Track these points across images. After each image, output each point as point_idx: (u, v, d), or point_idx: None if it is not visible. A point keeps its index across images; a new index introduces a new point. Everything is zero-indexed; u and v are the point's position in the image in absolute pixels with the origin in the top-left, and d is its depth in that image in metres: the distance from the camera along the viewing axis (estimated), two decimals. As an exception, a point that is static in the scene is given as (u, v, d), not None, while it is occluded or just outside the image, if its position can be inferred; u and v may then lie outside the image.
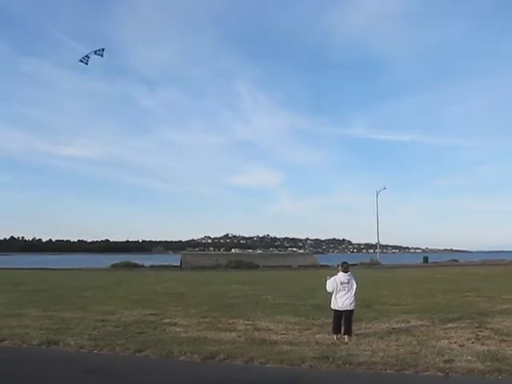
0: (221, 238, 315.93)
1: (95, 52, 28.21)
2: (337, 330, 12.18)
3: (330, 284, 12.39)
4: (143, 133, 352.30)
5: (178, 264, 66.05)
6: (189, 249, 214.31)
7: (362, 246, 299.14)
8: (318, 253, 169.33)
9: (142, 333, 13.18)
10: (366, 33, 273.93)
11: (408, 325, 14.40)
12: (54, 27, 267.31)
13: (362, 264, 66.74)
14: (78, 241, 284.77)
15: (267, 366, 9.79)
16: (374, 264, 69.37)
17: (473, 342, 11.69)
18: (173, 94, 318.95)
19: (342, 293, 12.19)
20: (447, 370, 9.14)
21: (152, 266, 63.06)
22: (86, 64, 28.14)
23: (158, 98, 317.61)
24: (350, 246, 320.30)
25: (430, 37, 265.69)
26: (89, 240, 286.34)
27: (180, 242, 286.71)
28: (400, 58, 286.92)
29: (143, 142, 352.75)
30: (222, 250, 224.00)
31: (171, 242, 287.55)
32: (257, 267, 61.04)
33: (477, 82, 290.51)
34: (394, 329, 13.70)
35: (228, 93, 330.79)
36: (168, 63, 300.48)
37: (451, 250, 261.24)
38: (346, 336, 11.97)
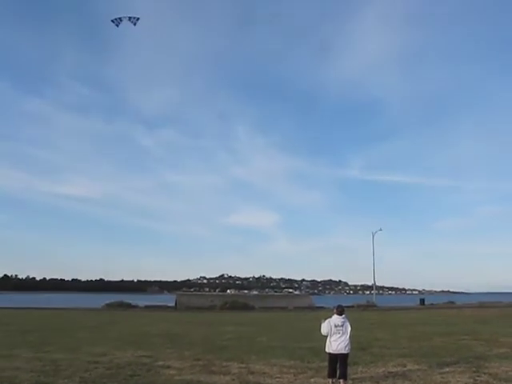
0: (216, 278, 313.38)
1: (129, 18, 28.37)
2: (332, 374, 11.98)
3: (325, 327, 12.25)
4: (141, 172, 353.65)
5: (173, 304, 65.33)
6: (184, 289, 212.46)
7: (358, 288, 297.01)
8: (314, 294, 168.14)
9: (135, 375, 12.97)
10: (362, 77, 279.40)
11: (404, 369, 14.22)
12: (57, 69, 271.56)
13: (358, 306, 66.15)
14: (73, 279, 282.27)
15: (261, 410, 9.62)
16: (370, 306, 68.77)
17: (470, 387, 11.54)
18: (171, 134, 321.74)
19: (336, 336, 12.04)
20: (444, 416, 8.99)
21: (146, 307, 62.37)
22: (117, 26, 28.21)
23: (157, 138, 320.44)
24: (347, 288, 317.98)
25: (425, 81, 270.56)
26: (83, 279, 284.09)
27: (175, 282, 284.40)
28: (395, 101, 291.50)
29: (141, 181, 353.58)
30: (217, 290, 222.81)
31: (166, 281, 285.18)
32: (252, 308, 60.45)
33: (472, 125, 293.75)
34: (390, 373, 13.52)
35: (226, 134, 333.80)
36: (167, 104, 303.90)
37: (448, 291, 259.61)
38: (341, 380, 11.78)
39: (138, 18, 28.51)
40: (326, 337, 12.25)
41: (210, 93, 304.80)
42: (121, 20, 28.23)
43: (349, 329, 12.06)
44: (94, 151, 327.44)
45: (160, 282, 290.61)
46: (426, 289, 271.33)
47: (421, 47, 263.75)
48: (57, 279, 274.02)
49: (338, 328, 12.07)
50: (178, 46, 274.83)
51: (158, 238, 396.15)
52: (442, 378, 12.76)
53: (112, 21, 28.20)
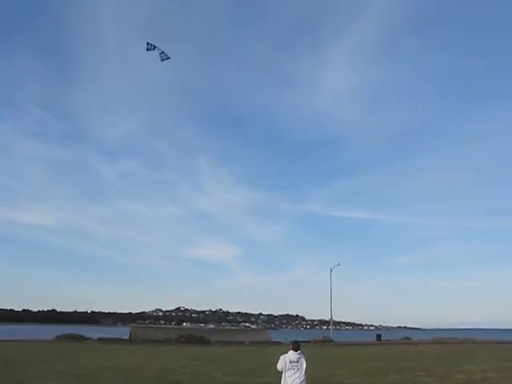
0: (172, 310, 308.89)
1: (162, 52, 28.49)
2: (287, 410, 11.79)
3: (280, 362, 12.11)
4: (100, 202, 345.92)
5: (127, 337, 64.04)
6: (139, 321, 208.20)
7: (315, 322, 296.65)
8: (271, 328, 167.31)
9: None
10: (325, 113, 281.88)
11: (360, 405, 14.13)
12: (18, 94, 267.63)
13: (315, 341, 65.98)
14: (23, 310, 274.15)
15: None
16: (326, 341, 68.69)
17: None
18: (132, 164, 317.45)
19: (291, 372, 11.88)
20: None
21: (100, 339, 60.80)
22: (147, 50, 28.37)
23: (118, 168, 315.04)
24: (304, 322, 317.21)
25: (387, 119, 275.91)
26: (34, 309, 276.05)
27: (130, 314, 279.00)
28: (357, 137, 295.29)
29: (99, 210, 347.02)
30: (173, 323, 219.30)
31: (121, 313, 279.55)
32: (208, 342, 59.71)
33: (430, 162, 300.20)
34: (345, 409, 13.40)
35: (188, 166, 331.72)
36: (129, 134, 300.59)
37: (405, 327, 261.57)
38: (297, 416, 11.60)
39: (168, 57, 28.97)
40: (282, 372, 12.10)
41: (173, 124, 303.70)
42: (154, 48, 28.57)
43: (304, 365, 11.91)
44: (52, 179, 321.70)
45: (114, 313, 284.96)
46: (383, 324, 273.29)
47: (383, 85, 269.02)
48: (6, 309, 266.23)
49: (293, 364, 11.93)
50: (141, 78, 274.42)
51: (114, 268, 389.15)
52: (398, 414, 12.72)
53: (147, 43, 28.52)
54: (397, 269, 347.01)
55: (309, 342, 62.46)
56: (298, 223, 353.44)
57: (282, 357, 12.13)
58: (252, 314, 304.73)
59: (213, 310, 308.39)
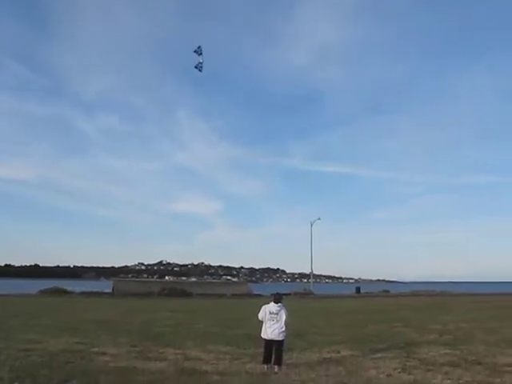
0: (155, 264, 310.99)
1: (199, 63, 29.02)
2: (267, 360, 12.16)
3: (261, 312, 12.48)
4: (80, 157, 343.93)
5: (110, 291, 64.50)
6: (121, 275, 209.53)
7: (296, 276, 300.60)
8: (252, 281, 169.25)
9: (69, 362, 12.77)
10: (306, 68, 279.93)
11: (338, 355, 14.55)
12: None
13: (296, 293, 67.02)
14: (5, 265, 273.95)
15: (196, 396, 9.68)
16: (307, 294, 69.77)
17: (400, 372, 11.93)
18: (111, 119, 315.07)
19: (270, 323, 12.23)
20: (374, 400, 9.28)
21: (83, 293, 61.23)
22: (201, 71, 29.19)
23: (97, 123, 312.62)
24: (284, 276, 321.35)
25: (367, 75, 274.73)
26: (17, 264, 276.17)
27: (113, 268, 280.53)
28: (337, 92, 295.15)
29: (79, 165, 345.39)
30: (155, 277, 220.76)
31: (103, 268, 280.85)
32: (190, 295, 60.38)
33: (409, 118, 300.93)
34: (324, 359, 13.81)
35: (168, 120, 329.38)
36: (107, 89, 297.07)
37: (383, 280, 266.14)
38: (276, 366, 11.99)
39: (200, 70, 29.49)
40: (262, 323, 12.45)
41: (152, 79, 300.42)
42: (200, 54, 29.28)
43: (283, 317, 12.23)
44: (30, 134, 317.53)
45: (97, 268, 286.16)
46: (362, 278, 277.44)
47: (364, 42, 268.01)
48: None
49: (273, 315, 12.26)
50: (120, 31, 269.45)
51: (96, 223, 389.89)
52: (374, 363, 13.14)
53: (198, 47, 29.32)
54: (376, 223, 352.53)
55: (289, 294, 63.37)
56: (279, 178, 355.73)
57: (263, 307, 12.48)
58: (233, 268, 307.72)
59: (195, 263, 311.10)
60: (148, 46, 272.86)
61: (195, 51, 29.65)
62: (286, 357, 12.88)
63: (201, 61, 29.77)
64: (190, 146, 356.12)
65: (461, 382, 10.79)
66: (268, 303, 12.63)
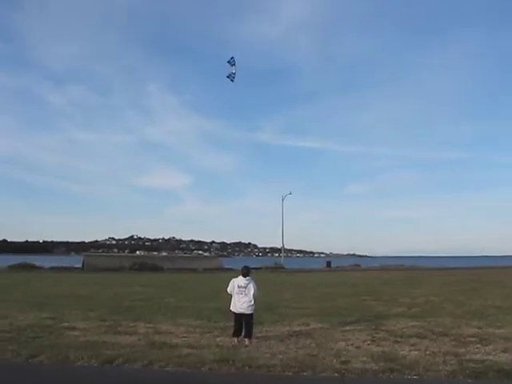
0: (125, 239, 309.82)
1: (231, 73, 29.83)
2: (237, 333, 12.23)
3: (229, 286, 12.54)
4: (47, 129, 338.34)
5: (80, 266, 64.07)
6: (92, 250, 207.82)
7: (267, 250, 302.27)
8: (223, 256, 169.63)
9: (37, 337, 12.68)
10: (278, 41, 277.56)
11: (308, 328, 14.69)
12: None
13: (267, 268, 67.46)
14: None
15: (167, 369, 9.70)
16: (278, 268, 70.29)
17: (368, 344, 12.10)
18: (80, 91, 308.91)
19: (239, 296, 12.29)
20: (343, 371, 9.41)
21: (52, 268, 60.66)
22: (232, 81, 30.27)
23: (65, 95, 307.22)
24: (256, 250, 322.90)
25: (339, 49, 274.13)
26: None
27: (83, 243, 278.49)
28: (309, 66, 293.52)
29: (46, 138, 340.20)
30: (126, 251, 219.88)
31: (73, 242, 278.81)
32: (161, 270, 60.34)
33: (382, 92, 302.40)
34: (294, 332, 13.92)
35: (137, 93, 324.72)
36: (76, 59, 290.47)
37: (354, 254, 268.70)
38: (246, 339, 12.06)
39: (232, 80, 30.05)
40: (232, 296, 12.50)
41: (122, 49, 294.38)
42: (233, 64, 29.87)
43: (252, 291, 12.27)
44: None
45: (67, 243, 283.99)
46: (333, 252, 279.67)
47: (337, 16, 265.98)
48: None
49: (241, 289, 12.30)
50: (88, 1, 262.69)
51: (66, 197, 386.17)
52: (343, 335, 13.31)
53: (231, 57, 30.08)
54: (347, 198, 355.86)
55: (260, 268, 63.79)
56: (250, 152, 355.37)
57: (231, 281, 12.53)
58: (205, 242, 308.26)
59: (166, 238, 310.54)
60: (117, 16, 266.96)
61: (228, 62, 30.34)
62: (256, 330, 12.96)
63: (233, 71, 30.36)
64: (161, 119, 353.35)
65: (427, 352, 10.99)
66: (236, 277, 12.67)
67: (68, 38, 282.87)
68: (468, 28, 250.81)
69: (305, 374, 9.35)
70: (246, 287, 12.31)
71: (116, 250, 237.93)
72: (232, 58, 30.69)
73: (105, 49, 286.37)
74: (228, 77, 30.77)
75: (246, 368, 9.67)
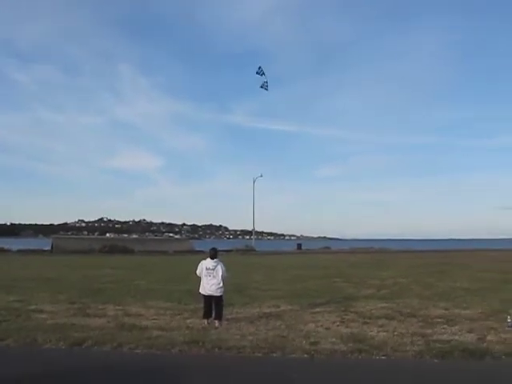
0: (95, 221, 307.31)
1: (264, 82, 30.59)
2: (207, 315, 12.26)
3: (198, 269, 12.56)
4: (13, 109, 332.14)
5: (49, 248, 63.36)
6: (61, 233, 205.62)
7: (238, 233, 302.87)
8: (194, 238, 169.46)
9: (4, 321, 12.50)
10: (253, 24, 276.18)
11: (278, 309, 14.78)
12: None
13: (237, 250, 67.56)
14: None
15: (136, 351, 9.68)
16: (248, 250, 70.46)
17: (338, 325, 12.23)
18: (48, 70, 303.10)
19: (207, 278, 12.30)
20: (312, 352, 9.49)
21: (20, 251, 59.82)
22: (267, 90, 30.93)
23: (32, 74, 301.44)
24: (227, 232, 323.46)
25: (313, 33, 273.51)
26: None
27: (52, 225, 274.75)
28: (283, 50, 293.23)
29: (13, 118, 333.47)
30: (96, 234, 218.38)
31: (42, 225, 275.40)
32: (132, 252, 60.07)
33: (356, 77, 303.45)
34: (264, 313, 13.98)
35: (108, 73, 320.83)
36: (44, 38, 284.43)
37: (324, 237, 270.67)
38: (216, 321, 12.10)
39: (266, 89, 30.86)
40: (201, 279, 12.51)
41: (93, 29, 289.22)
42: (262, 74, 30.41)
43: (220, 272, 12.28)
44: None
45: (35, 225, 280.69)
46: (304, 235, 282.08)
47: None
48: None
49: (210, 271, 12.32)
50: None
51: (34, 179, 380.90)
52: (313, 317, 13.41)
53: (259, 67, 30.49)
54: (318, 181, 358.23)
55: (231, 251, 63.91)
56: (222, 134, 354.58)
57: (200, 263, 12.55)
58: (176, 225, 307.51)
59: (136, 220, 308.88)
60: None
61: (257, 73, 31.03)
62: (226, 312, 13.00)
63: (265, 80, 31.20)
64: (132, 100, 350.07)
65: (395, 333, 11.15)
66: (205, 259, 12.67)
67: (36, 16, 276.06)
68: (442, 15, 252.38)
69: (274, 355, 9.41)
70: (214, 269, 12.31)
71: (86, 233, 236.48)
72: (259, 67, 31.17)
73: (75, 28, 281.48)
74: (262, 87, 31.51)
75: (216, 349, 9.70)
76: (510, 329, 11.51)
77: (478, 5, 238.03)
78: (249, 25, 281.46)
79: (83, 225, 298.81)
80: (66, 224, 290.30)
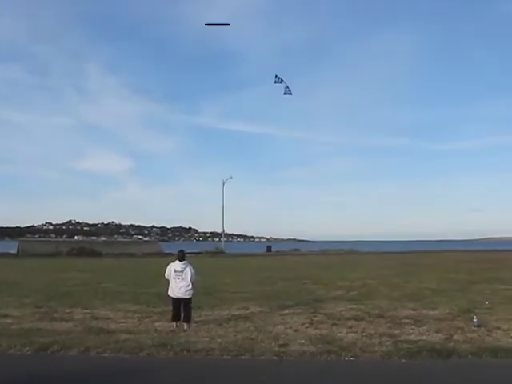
0: (63, 224, 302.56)
1: (285, 89, 30.34)
2: (176, 318, 12.18)
3: (167, 271, 12.48)
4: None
5: (15, 252, 62.38)
6: (28, 235, 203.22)
7: (208, 235, 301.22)
8: (164, 241, 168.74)
9: (-32, 325, 12.24)
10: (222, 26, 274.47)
11: (247, 311, 14.75)
12: None
13: (207, 252, 67.39)
14: None
15: (104, 355, 9.56)
16: (218, 252, 70.33)
17: (307, 327, 12.25)
18: (15, 70, 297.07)
19: (176, 281, 12.23)
20: (281, 354, 9.48)
21: (-16, 254, 58.81)
22: (291, 94, 31.62)
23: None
24: (196, 235, 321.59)
25: (283, 34, 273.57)
26: None
27: (18, 228, 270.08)
28: (253, 52, 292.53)
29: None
30: (64, 236, 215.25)
31: (8, 228, 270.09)
32: (100, 255, 59.52)
33: (325, 79, 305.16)
34: (233, 316, 13.95)
35: (76, 73, 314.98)
36: (10, 37, 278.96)
37: (294, 239, 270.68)
38: (185, 323, 12.02)
39: (290, 93, 30.98)
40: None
41: (59, 29, 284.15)
42: (281, 81, 31.17)
43: (189, 275, 12.21)
44: None
45: (1, 228, 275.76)
46: (274, 237, 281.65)
47: (283, 1, 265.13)
48: None
49: (178, 273, 12.24)
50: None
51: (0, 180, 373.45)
52: (282, 319, 13.41)
53: (276, 76, 31.29)
54: (288, 183, 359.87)
55: (201, 253, 63.72)
56: (192, 136, 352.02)
57: (168, 266, 12.46)
58: (145, 227, 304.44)
59: (105, 222, 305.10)
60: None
61: (275, 82, 30.90)
62: (195, 314, 12.95)
63: (286, 85, 31.08)
64: (100, 101, 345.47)
65: (364, 334, 11.22)
66: (174, 261, 12.59)
67: (1, 15, 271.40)
68: (410, 17, 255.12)
69: (243, 357, 9.37)
70: (182, 271, 12.23)
71: (53, 236, 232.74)
72: (276, 76, 31.16)
73: (42, 27, 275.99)
74: (285, 93, 31.43)
75: (185, 352, 9.64)
76: (475, 328, 11.67)
77: (447, 8, 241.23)
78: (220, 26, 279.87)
79: (51, 227, 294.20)
80: (32, 227, 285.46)
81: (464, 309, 14.76)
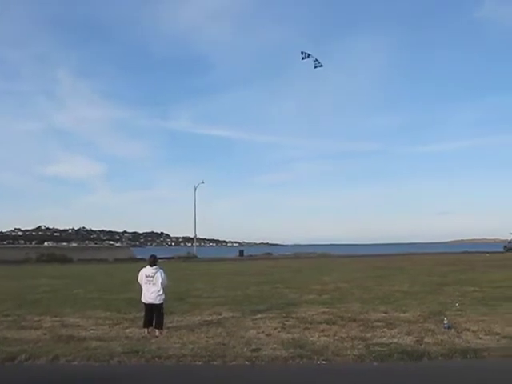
0: (33, 230, 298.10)
1: (314, 62, 30.07)
2: (148, 324, 12.05)
3: (139, 277, 12.38)
4: None
5: (-18, 258, 61.20)
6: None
7: (180, 240, 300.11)
8: (135, 246, 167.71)
9: None
10: (193, 30, 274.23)
11: (219, 317, 14.66)
12: None
13: (179, 257, 67.12)
14: None
15: (73, 363, 9.42)
16: (190, 257, 70.10)
17: (279, 331, 12.21)
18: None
19: (147, 286, 12.13)
20: (254, 359, 9.44)
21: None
22: (321, 66, 31.44)
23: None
24: (168, 240, 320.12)
25: (254, 39, 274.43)
26: None
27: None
28: (226, 56, 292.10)
29: None
30: (33, 242, 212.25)
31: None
32: (70, 261, 58.79)
33: (297, 83, 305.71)
34: (205, 321, 13.86)
35: (45, 78, 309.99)
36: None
37: (267, 243, 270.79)
38: (156, 330, 11.90)
39: (321, 65, 30.69)
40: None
41: (28, 33, 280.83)
42: (308, 56, 30.00)
43: (160, 279, 12.11)
44: None
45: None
46: (246, 241, 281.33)
47: (254, 6, 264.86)
48: None
49: (149, 278, 12.14)
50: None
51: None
52: (254, 323, 13.37)
53: (302, 52, 31.37)
54: (260, 187, 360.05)
55: (173, 258, 63.42)
56: (163, 140, 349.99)
57: (140, 271, 12.36)
58: (116, 232, 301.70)
59: (76, 228, 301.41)
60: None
61: (303, 58, 30.94)
62: (167, 320, 12.80)
63: (315, 59, 31.07)
64: (71, 105, 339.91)
65: (336, 337, 11.23)
66: (145, 267, 12.49)
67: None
68: (379, 23, 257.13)
69: (215, 363, 9.31)
70: (153, 276, 12.12)
71: (23, 242, 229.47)
72: (302, 52, 31.19)
73: (10, 31, 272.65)
74: (315, 67, 31.33)
75: (156, 359, 9.52)
76: (446, 330, 11.78)
77: (416, 13, 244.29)
78: (190, 30, 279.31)
79: (20, 233, 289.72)
80: (1, 233, 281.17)
81: (435, 311, 14.90)
